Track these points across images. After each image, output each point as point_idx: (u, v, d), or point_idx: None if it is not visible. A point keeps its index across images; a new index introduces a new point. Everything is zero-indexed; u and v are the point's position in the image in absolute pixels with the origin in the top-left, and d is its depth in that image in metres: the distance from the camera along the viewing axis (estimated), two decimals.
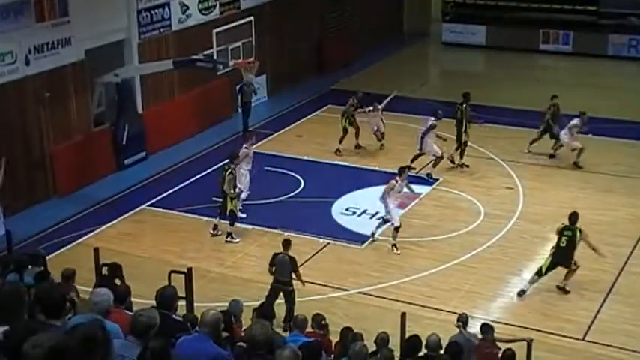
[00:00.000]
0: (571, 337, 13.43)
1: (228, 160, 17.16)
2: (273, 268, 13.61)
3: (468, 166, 20.21)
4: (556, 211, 17.79)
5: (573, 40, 31.11)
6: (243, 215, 17.50)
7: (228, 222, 16.84)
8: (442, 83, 30.52)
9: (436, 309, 14.19)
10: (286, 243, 13.86)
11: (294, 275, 13.53)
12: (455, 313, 12.90)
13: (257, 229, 17.19)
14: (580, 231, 14.37)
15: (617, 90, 26.74)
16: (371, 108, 20.81)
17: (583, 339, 13.43)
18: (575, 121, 19.80)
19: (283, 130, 23.30)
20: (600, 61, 30.02)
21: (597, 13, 31.43)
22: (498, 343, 11.19)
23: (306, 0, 26.96)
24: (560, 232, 14.42)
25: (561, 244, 14.40)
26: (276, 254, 13.70)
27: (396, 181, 16.60)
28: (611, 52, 30.50)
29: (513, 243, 16.67)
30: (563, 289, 14.71)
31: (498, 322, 13.52)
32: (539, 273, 14.64)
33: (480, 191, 18.97)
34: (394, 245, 16.30)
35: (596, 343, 13.27)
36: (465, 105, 20.08)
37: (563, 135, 20.02)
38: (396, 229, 16.32)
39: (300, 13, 26.74)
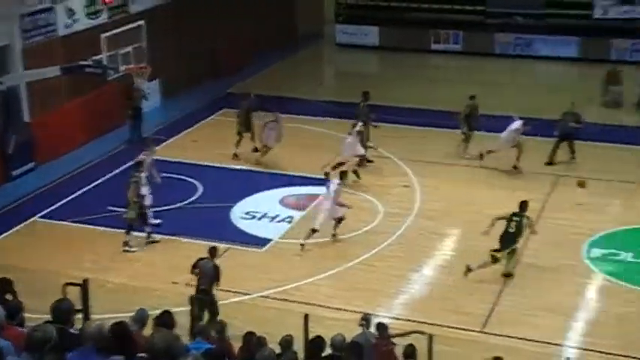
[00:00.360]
0: (470, 330, 13.71)
1: (133, 167, 16.84)
2: (197, 270, 13.37)
3: (371, 162, 20.44)
4: (453, 207, 18.21)
5: (463, 40, 31.91)
6: (157, 221, 17.12)
7: (125, 230, 16.47)
8: (337, 84, 30.77)
9: (339, 309, 14.23)
10: (212, 250, 13.59)
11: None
12: (357, 312, 12.97)
13: (155, 236, 16.84)
14: (528, 217, 15.03)
15: (504, 87, 27.58)
16: (273, 119, 20.38)
17: (482, 331, 13.73)
18: (517, 125, 19.86)
19: (178, 136, 22.96)
20: (488, 59, 30.89)
21: (485, 13, 32.36)
22: (396, 339, 11.33)
23: (199, 4, 26.64)
24: (509, 219, 15.01)
25: (510, 230, 14.99)
26: (201, 259, 13.44)
27: (339, 185, 16.82)
28: (498, 50, 31.42)
29: (412, 240, 16.90)
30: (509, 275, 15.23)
31: (400, 319, 13.70)
32: (494, 260, 15.05)
33: (378, 190, 19.17)
34: (302, 245, 16.35)
35: (494, 334, 13.58)
36: (362, 104, 20.36)
37: (503, 138, 20.05)
38: (313, 230, 16.39)
39: (193, 17, 26.39)
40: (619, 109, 24.71)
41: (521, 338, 13.38)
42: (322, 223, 16.49)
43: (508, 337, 13.44)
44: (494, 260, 15.03)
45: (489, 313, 14.18)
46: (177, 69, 25.74)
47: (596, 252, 16.14)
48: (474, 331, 13.69)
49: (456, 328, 13.67)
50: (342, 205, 16.67)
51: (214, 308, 13.16)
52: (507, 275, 15.25)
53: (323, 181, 17.22)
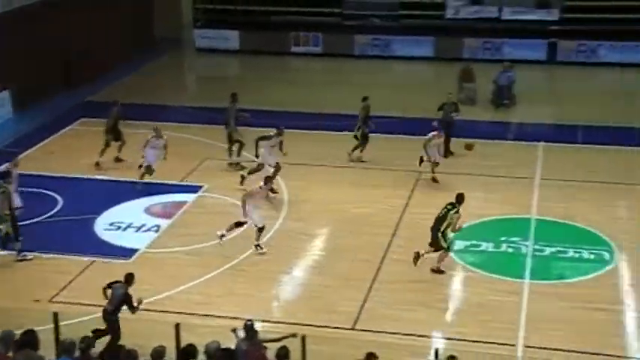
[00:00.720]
0: (342, 328, 13.87)
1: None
2: (109, 292, 12.91)
3: (244, 167, 20.32)
4: (321, 208, 18.38)
5: (322, 42, 32.32)
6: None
7: None
8: (198, 89, 30.49)
9: (211, 316, 14.08)
10: (128, 277, 13.02)
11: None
12: (229, 318, 12.89)
13: (12, 254, 16.09)
14: (457, 212, 15.24)
15: (365, 87, 28.07)
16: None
17: (353, 328, 13.93)
18: (430, 135, 19.66)
19: (34, 148, 22.08)
20: (348, 60, 31.44)
21: (342, 15, 32.91)
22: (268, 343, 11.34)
23: (51, 12, 25.70)
24: (445, 206, 15.45)
25: (440, 215, 15.41)
26: (116, 282, 12.94)
27: (261, 188, 16.68)
28: (358, 51, 32.04)
29: (282, 242, 16.93)
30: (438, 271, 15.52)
31: (273, 322, 13.69)
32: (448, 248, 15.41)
33: (242, 194, 19.05)
34: (258, 245, 16.35)
35: (365, 330, 13.80)
36: (231, 106, 20.37)
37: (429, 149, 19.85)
38: (260, 229, 16.33)
39: (44, 25, 25.43)
40: (474, 106, 25.69)
41: (392, 333, 13.66)
42: (258, 220, 16.40)
43: (379, 332, 13.68)
44: (447, 248, 15.44)
45: (360, 310, 14.40)
46: (28, 79, 24.71)
47: (459, 244, 16.69)
48: (345, 329, 13.86)
49: (328, 327, 13.79)
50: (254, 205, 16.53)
51: (114, 332, 12.73)
52: (437, 271, 15.54)
53: (192, 188, 16.96)
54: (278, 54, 31.75)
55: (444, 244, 15.36)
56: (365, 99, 21.09)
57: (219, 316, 13.97)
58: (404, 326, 13.86)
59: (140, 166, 19.36)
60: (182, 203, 17.97)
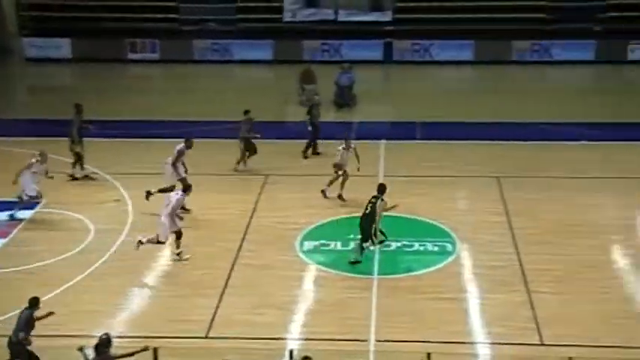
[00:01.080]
0: (195, 337, 13.63)
1: None
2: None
3: (93, 178, 19.90)
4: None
5: (160, 48, 31.76)
6: None
7: None
8: (30, 101, 29.14)
9: (57, 336, 13.41)
10: (33, 300, 12.30)
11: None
12: (77, 336, 12.38)
13: None
14: (382, 200, 15.62)
15: (206, 92, 27.91)
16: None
17: (207, 336, 13.72)
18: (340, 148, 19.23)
19: None
20: (187, 65, 31.06)
21: (179, 21, 32.46)
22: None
23: None
24: (369, 201, 15.72)
25: (366, 211, 15.66)
26: (24, 309, 12.22)
27: (181, 196, 16.18)
28: (197, 56, 31.74)
29: (128, 255, 16.44)
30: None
31: (124, 337, 13.23)
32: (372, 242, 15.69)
33: (87, 208, 18.41)
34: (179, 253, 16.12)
35: (219, 337, 13.64)
36: (76, 117, 19.75)
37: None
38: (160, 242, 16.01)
39: None
40: None
41: (246, 338, 13.56)
42: (163, 236, 15.93)
43: (233, 338, 13.55)
44: (380, 241, 15.82)
45: (213, 318, 14.21)
46: None
47: (309, 245, 16.81)
48: (199, 337, 13.64)
49: (182, 337, 13.52)
50: (178, 217, 16.09)
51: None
52: (355, 262, 15.84)
53: (28, 206, 16.09)
54: (114, 61, 30.90)
55: (374, 240, 15.68)
56: (246, 112, 20.81)
57: (66, 336, 13.34)
58: (258, 330, 13.81)
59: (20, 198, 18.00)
60: (19, 220, 17.12)
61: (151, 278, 15.80)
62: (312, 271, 16.03)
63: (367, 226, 15.71)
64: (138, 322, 14.32)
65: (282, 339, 13.67)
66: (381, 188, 15.99)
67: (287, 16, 32.24)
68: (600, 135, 22.65)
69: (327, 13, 32.28)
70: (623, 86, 29.32)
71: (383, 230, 15.90)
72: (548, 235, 16.94)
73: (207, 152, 21.02)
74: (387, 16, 32.33)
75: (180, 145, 18.42)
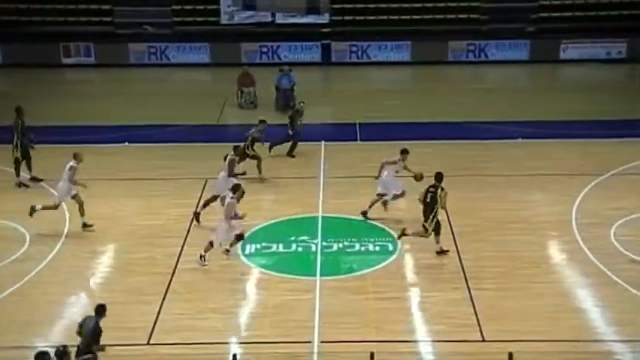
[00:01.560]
0: (137, 344, 13.43)
1: None
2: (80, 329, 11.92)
3: (40, 180, 19.54)
4: (104, 223, 17.69)
5: (95, 52, 31.30)
6: None
7: None
8: None
9: None
10: (101, 309, 12.00)
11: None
12: (14, 347, 12.10)
13: None
14: (442, 189, 15.85)
15: (144, 96, 27.61)
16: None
17: (148, 343, 13.54)
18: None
19: None
20: (124, 69, 30.65)
21: (114, 24, 32.02)
22: None
23: None
24: (426, 190, 15.99)
25: (427, 200, 15.96)
26: (87, 317, 11.97)
27: (234, 199, 15.92)
28: (133, 60, 31.37)
29: (66, 262, 16.17)
30: (442, 252, 16.19)
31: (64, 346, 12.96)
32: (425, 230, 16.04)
33: (21, 216, 17.97)
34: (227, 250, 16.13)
35: (161, 344, 13.46)
36: (18, 121, 19.45)
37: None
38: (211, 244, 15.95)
39: None
40: (255, 109, 25.92)
41: (188, 344, 13.42)
42: (220, 240, 15.90)
43: (175, 344, 13.40)
44: (425, 230, 16.02)
45: (154, 324, 14.03)
46: None
47: (250, 248, 16.74)
48: (140, 344, 13.45)
49: (123, 344, 13.29)
50: (236, 217, 15.90)
51: None
52: (441, 252, 16.17)
53: None
54: (47, 66, 30.30)
55: (430, 228, 15.97)
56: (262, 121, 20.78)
57: (2, 347, 13.02)
58: (200, 335, 13.67)
59: None
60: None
61: (89, 286, 15.52)
62: (254, 274, 15.96)
63: (429, 213, 15.99)
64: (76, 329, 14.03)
65: (225, 343, 13.57)
66: (439, 177, 16.15)
67: (224, 19, 32.07)
68: (535, 133, 23.10)
69: (264, 16, 32.21)
70: (557, 85, 29.99)
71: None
72: (487, 233, 17.19)
73: (146, 156, 20.80)
74: (324, 19, 32.42)
75: (230, 155, 18.15)
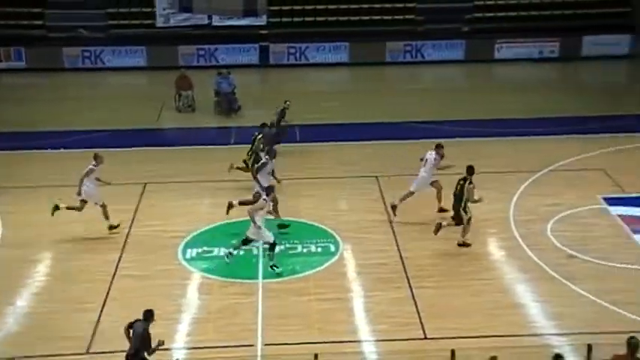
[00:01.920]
0: (75, 354, 13.18)
1: None
2: (131, 332, 11.69)
3: None
4: (40, 232, 17.30)
5: (27, 56, 30.66)
6: None
7: None
8: None
9: None
10: (147, 314, 11.78)
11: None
12: None
13: None
14: (470, 182, 16.11)
15: (78, 101, 27.13)
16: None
17: (87, 352, 13.29)
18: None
19: None
20: (57, 74, 30.11)
21: (47, 27, 31.41)
22: None
23: None
24: (458, 182, 16.30)
25: (456, 192, 16.34)
26: (136, 320, 11.70)
27: (265, 201, 15.56)
28: (67, 64, 30.85)
29: (1, 272, 15.75)
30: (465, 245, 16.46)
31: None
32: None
33: None
34: (273, 266, 15.63)
35: (101, 353, 13.22)
36: None
37: None
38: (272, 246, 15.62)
39: None
40: (193, 113, 25.70)
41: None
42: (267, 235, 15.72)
43: (114, 352, 13.10)
44: (460, 219, 16.28)
45: (93, 333, 13.77)
46: None
47: (191, 252, 16.56)
48: (79, 354, 13.18)
49: (61, 355, 13.04)
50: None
51: None
52: (463, 245, 16.44)
53: None
54: None
55: (466, 217, 16.17)
56: (267, 125, 20.47)
57: None
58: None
59: None
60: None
61: (24, 296, 15.15)
62: (195, 278, 15.79)
63: (457, 205, 16.23)
64: (12, 342, 13.67)
65: (167, 349, 13.36)
66: (470, 170, 16.32)
67: (160, 22, 31.72)
68: (471, 131, 23.39)
69: (201, 18, 31.93)
70: (492, 84, 30.44)
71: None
72: (428, 231, 17.31)
73: (82, 163, 20.40)
74: (261, 20, 32.29)
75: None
